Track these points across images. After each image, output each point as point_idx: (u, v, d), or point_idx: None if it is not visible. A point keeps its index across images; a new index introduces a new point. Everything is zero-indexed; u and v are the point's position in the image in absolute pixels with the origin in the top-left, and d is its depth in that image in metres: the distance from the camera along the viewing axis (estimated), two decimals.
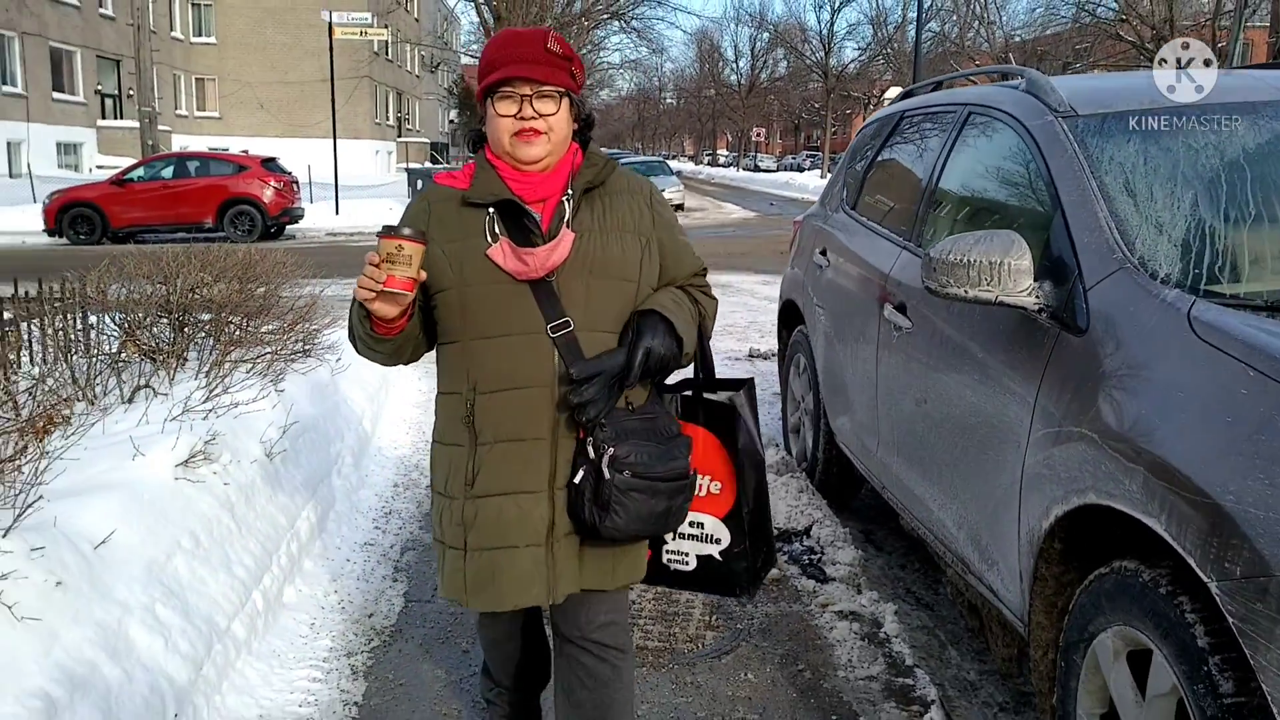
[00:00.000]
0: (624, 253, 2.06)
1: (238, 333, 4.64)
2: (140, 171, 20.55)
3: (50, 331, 4.32)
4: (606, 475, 1.95)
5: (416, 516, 4.50)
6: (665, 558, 2.29)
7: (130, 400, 3.92)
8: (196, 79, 43.56)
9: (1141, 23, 32.15)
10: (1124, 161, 2.84)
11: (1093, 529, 2.41)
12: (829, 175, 7.06)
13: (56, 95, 33.08)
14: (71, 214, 19.55)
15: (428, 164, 41.23)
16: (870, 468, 4.00)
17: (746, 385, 2.27)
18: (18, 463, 2.75)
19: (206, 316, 4.69)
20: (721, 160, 75.36)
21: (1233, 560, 1.86)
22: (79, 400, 3.54)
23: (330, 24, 23.38)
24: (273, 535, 3.54)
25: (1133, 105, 3.04)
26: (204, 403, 3.82)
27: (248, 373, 4.32)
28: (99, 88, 36.05)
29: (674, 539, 2.28)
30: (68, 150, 33.61)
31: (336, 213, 23.31)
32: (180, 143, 35.20)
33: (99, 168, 32.40)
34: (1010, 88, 3.49)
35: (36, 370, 4.05)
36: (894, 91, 29.33)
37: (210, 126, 42.70)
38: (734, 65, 66.17)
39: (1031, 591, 2.64)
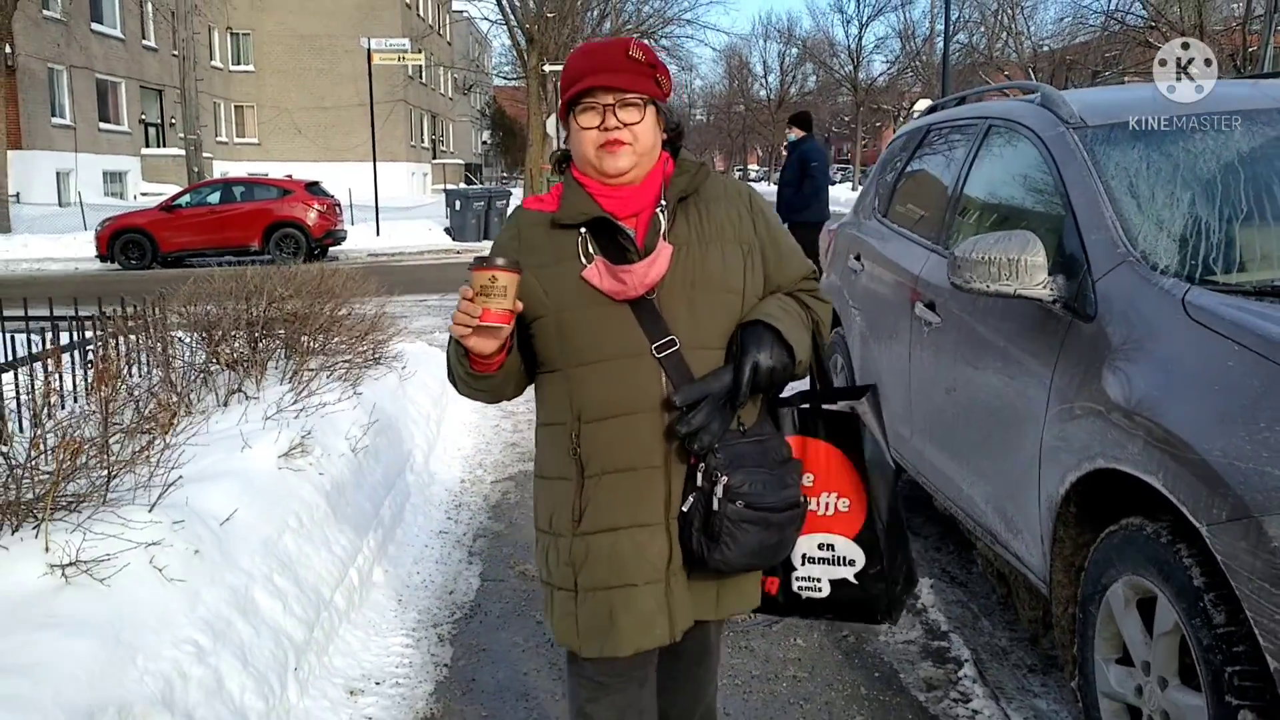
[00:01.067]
0: (725, 263, 1.94)
1: (311, 344, 5.04)
2: (188, 198, 21.22)
3: (143, 346, 4.73)
4: (717, 507, 1.83)
5: (484, 508, 4.87)
6: (796, 585, 2.09)
7: (225, 404, 4.32)
8: (235, 106, 44.56)
9: (1171, 29, 32.19)
10: (1128, 166, 3.16)
11: (1103, 492, 2.72)
12: (860, 187, 7.36)
13: (103, 125, 34.03)
14: (123, 240, 20.19)
15: (462, 185, 41.94)
16: (905, 454, 4.30)
17: (870, 393, 2.08)
18: (147, 453, 3.13)
19: (280, 331, 5.09)
20: (753, 175, 75.74)
21: (1219, 507, 2.16)
22: (179, 406, 3.92)
23: (369, 50, 23.99)
24: (361, 521, 3.91)
25: (1134, 115, 3.35)
26: (294, 404, 4.20)
27: (328, 378, 4.70)
28: (143, 117, 37.03)
29: (804, 564, 2.08)
30: (113, 179, 34.53)
31: (377, 234, 23.87)
32: (220, 169, 36.05)
33: (143, 195, 33.27)
34: (1027, 102, 3.81)
35: (137, 379, 4.45)
36: (922, 104, 29.57)
37: (249, 152, 43.63)
38: (763, 80, 66.66)
39: (1052, 553, 2.95)
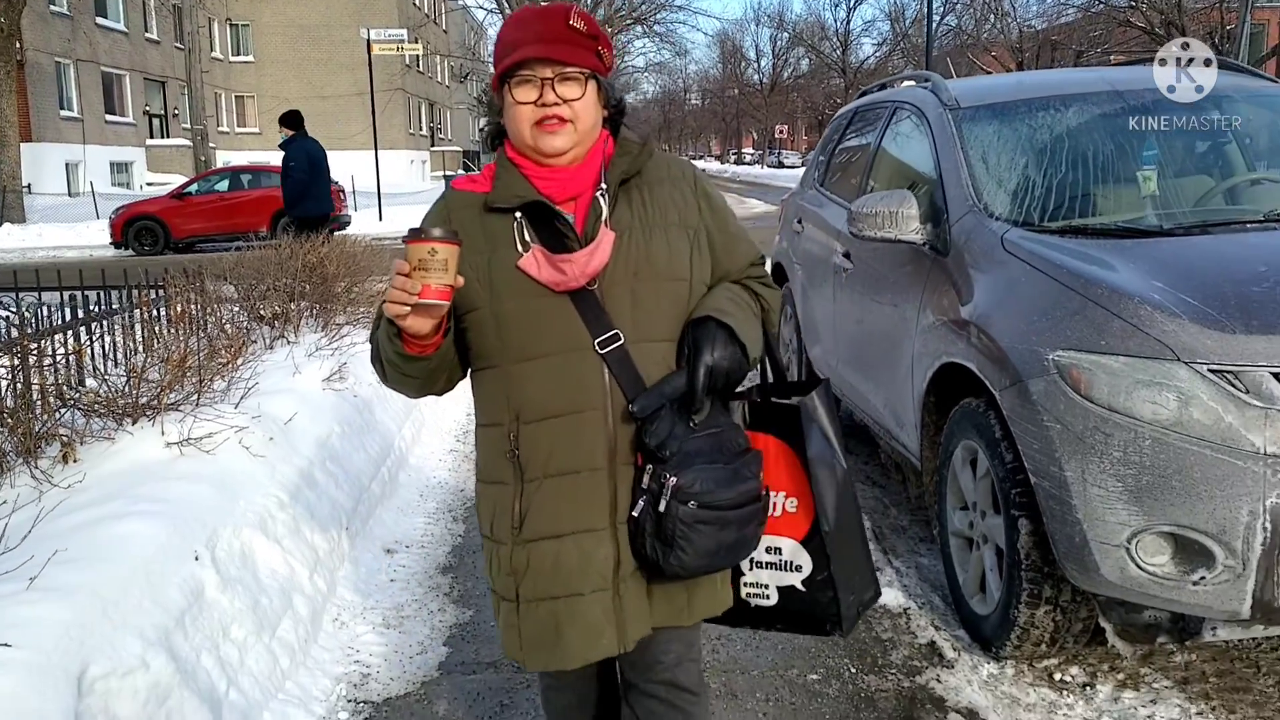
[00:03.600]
0: (670, 249, 1.82)
1: (341, 298, 5.96)
2: (197, 186, 22.09)
3: (198, 302, 5.64)
4: (665, 509, 1.71)
5: None
6: (744, 591, 1.97)
7: (271, 347, 5.23)
8: (236, 97, 45.36)
9: (1151, 9, 32.95)
10: (983, 139, 4.06)
11: (950, 384, 3.62)
12: None
13: (109, 117, 34.87)
14: (136, 227, 21.06)
15: (460, 171, 42.74)
16: (837, 384, 5.22)
17: (821, 386, 1.96)
18: (225, 370, 4.05)
19: (310, 292, 6.00)
20: (747, 159, 76.56)
21: (1005, 378, 3.08)
22: (240, 342, 4.84)
23: (369, 41, 24.81)
24: (387, 434, 4.84)
25: (997, 98, 4.26)
26: (328, 345, 5.12)
27: (353, 328, 5.62)
28: (147, 108, 37.85)
29: (751, 569, 1.96)
30: (120, 169, 35.38)
31: (380, 219, 24.74)
32: (223, 158, 36.85)
33: (149, 184, 34.17)
34: (923, 88, 4.71)
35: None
36: (910, 83, 30.33)
37: (250, 142, 44.43)
38: (756, 65, 67.40)
39: (921, 436, 3.87)
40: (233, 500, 3.24)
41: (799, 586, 1.93)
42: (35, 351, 3.72)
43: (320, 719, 2.85)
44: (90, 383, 3.91)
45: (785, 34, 61.06)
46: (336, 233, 22.03)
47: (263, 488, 3.45)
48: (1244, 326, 2.68)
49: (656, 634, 1.88)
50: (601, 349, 1.76)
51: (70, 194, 31.33)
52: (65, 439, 3.48)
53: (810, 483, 1.89)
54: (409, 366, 1.76)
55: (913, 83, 5.08)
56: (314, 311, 5.90)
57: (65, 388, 3.80)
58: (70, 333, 4.31)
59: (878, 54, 51.59)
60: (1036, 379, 2.95)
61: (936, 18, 42.74)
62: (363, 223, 24.27)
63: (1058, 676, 3.18)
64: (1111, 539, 2.74)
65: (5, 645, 2.11)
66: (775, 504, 1.94)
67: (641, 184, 1.86)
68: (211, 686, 2.55)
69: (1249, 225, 3.44)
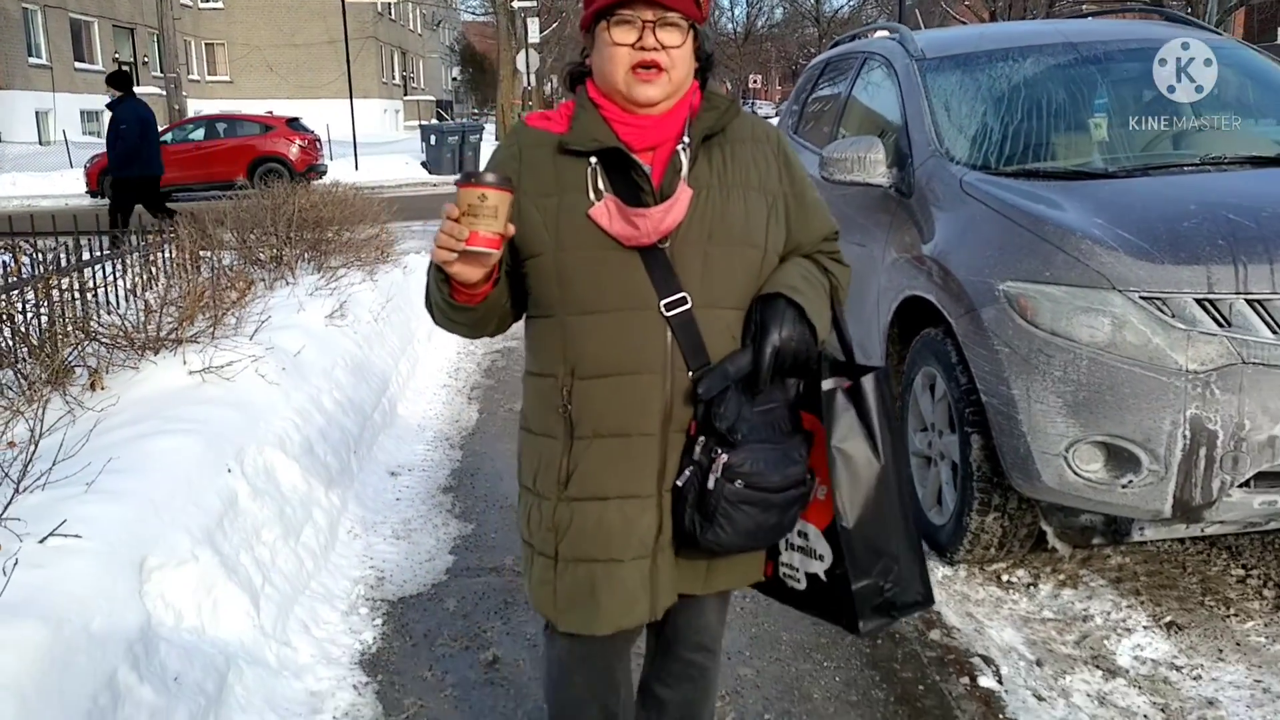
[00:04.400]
0: (748, 213, 1.75)
1: (334, 241, 6.21)
2: (171, 135, 21.98)
3: (199, 245, 5.87)
4: (713, 485, 1.67)
5: (477, 370, 6.19)
6: (781, 570, 1.92)
7: (271, 288, 5.48)
8: (206, 44, 44.75)
9: None
10: (946, 88, 4.34)
11: (912, 315, 3.94)
12: None
13: (78, 65, 34.41)
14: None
15: (434, 120, 42.53)
16: None
17: (872, 375, 1.82)
18: (237, 305, 4.31)
19: (307, 236, 6.24)
20: None
21: (961, 307, 3.40)
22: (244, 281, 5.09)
23: None
24: (385, 369, 5.15)
25: (960, 49, 4.53)
26: (326, 286, 5.37)
27: (348, 270, 5.88)
28: (116, 55, 37.32)
29: (786, 549, 1.90)
30: (90, 118, 34.96)
31: (356, 168, 24.73)
32: (194, 107, 36.46)
33: None
34: (891, 39, 4.98)
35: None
36: (880, 34, 30.50)
37: (221, 90, 43.93)
38: (730, 14, 67.01)
39: (886, 365, 4.19)
40: (254, 422, 3.52)
41: (822, 576, 1.86)
42: (59, 287, 3.96)
43: (344, 613, 3.16)
44: (109, 318, 4.16)
45: None
46: (314, 183, 22.15)
47: (279, 412, 3.73)
48: (1171, 258, 3.00)
49: (693, 602, 1.88)
50: (667, 311, 1.69)
51: (41, 143, 31.03)
52: (92, 369, 3.74)
53: (830, 475, 1.78)
54: (456, 314, 1.73)
55: (884, 34, 5.34)
56: (308, 256, 6.14)
57: (88, 322, 4.05)
58: (89, 269, 4.54)
59: (851, 3, 51.47)
60: (988, 307, 3.27)
61: None
62: (338, 172, 24.22)
63: (1005, 577, 3.54)
64: (1051, 449, 3.08)
65: (76, 536, 2.40)
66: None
67: (724, 141, 1.78)
68: (250, 580, 2.85)
69: (1186, 168, 3.75)
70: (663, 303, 1.68)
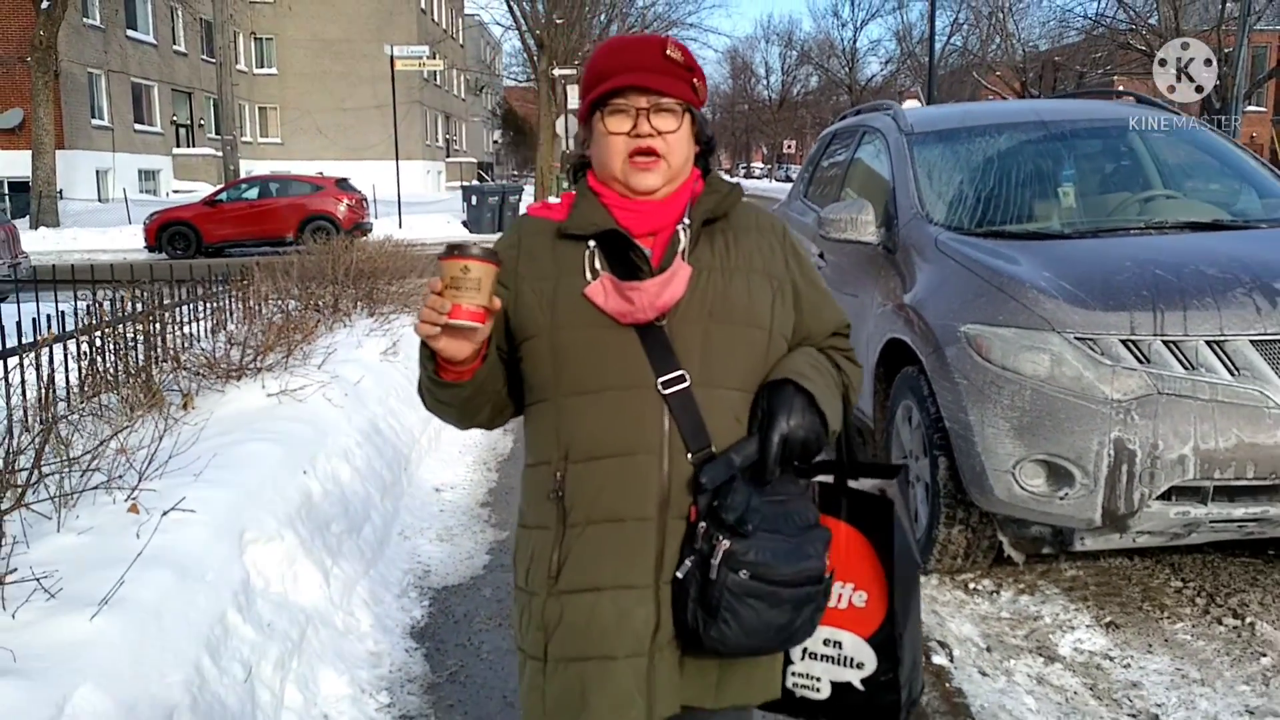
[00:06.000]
0: (751, 294, 1.70)
1: (386, 291, 6.88)
2: (227, 194, 23.14)
3: (269, 293, 6.55)
4: (715, 575, 1.57)
5: None
6: (790, 680, 1.81)
7: (332, 330, 6.14)
8: (260, 108, 46.51)
9: (1151, 32, 33.83)
10: (931, 159, 4.94)
11: (894, 356, 4.49)
12: None
13: (137, 126, 36.01)
14: (170, 232, 22.09)
15: (475, 182, 43.84)
16: None
17: (901, 473, 1.82)
18: (307, 340, 4.95)
19: (362, 285, 6.92)
20: (756, 173, 77.62)
21: (929, 344, 3.96)
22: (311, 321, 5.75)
23: (392, 57, 25.84)
24: None
25: (944, 125, 5.14)
26: (381, 327, 6.02)
27: (399, 315, 6.53)
28: (174, 118, 39.01)
29: (804, 658, 1.80)
30: (147, 177, 36.51)
31: (400, 226, 25.71)
32: (246, 168, 37.94)
33: (175, 192, 35.32)
34: (886, 115, 5.60)
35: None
36: (910, 103, 31.42)
37: (273, 152, 45.54)
38: (765, 81, 68.48)
39: (874, 402, 4.74)
40: (323, 436, 4.13)
41: (857, 685, 1.77)
42: (161, 322, 4.62)
43: (396, 595, 3.73)
44: (197, 348, 4.81)
45: (794, 52, 62.20)
46: (359, 240, 23.08)
47: (343, 430, 4.35)
48: (1102, 305, 3.55)
49: (696, 716, 1.71)
50: (664, 389, 1.62)
51: (100, 200, 32.42)
52: (184, 392, 4.38)
53: (890, 582, 1.73)
54: (442, 393, 1.67)
55: (881, 111, 5.96)
56: (361, 304, 6.81)
57: (179, 355, 4.70)
58: (179, 310, 5.21)
59: (884, 72, 52.63)
60: (951, 346, 3.83)
61: (942, 38, 43.80)
62: (383, 230, 25.21)
63: (971, 585, 4.04)
64: (1002, 466, 3.60)
65: (191, 511, 2.99)
66: (840, 595, 1.77)
67: (727, 228, 1.75)
68: (322, 561, 3.43)
69: (1131, 231, 4.31)
70: (660, 381, 1.62)
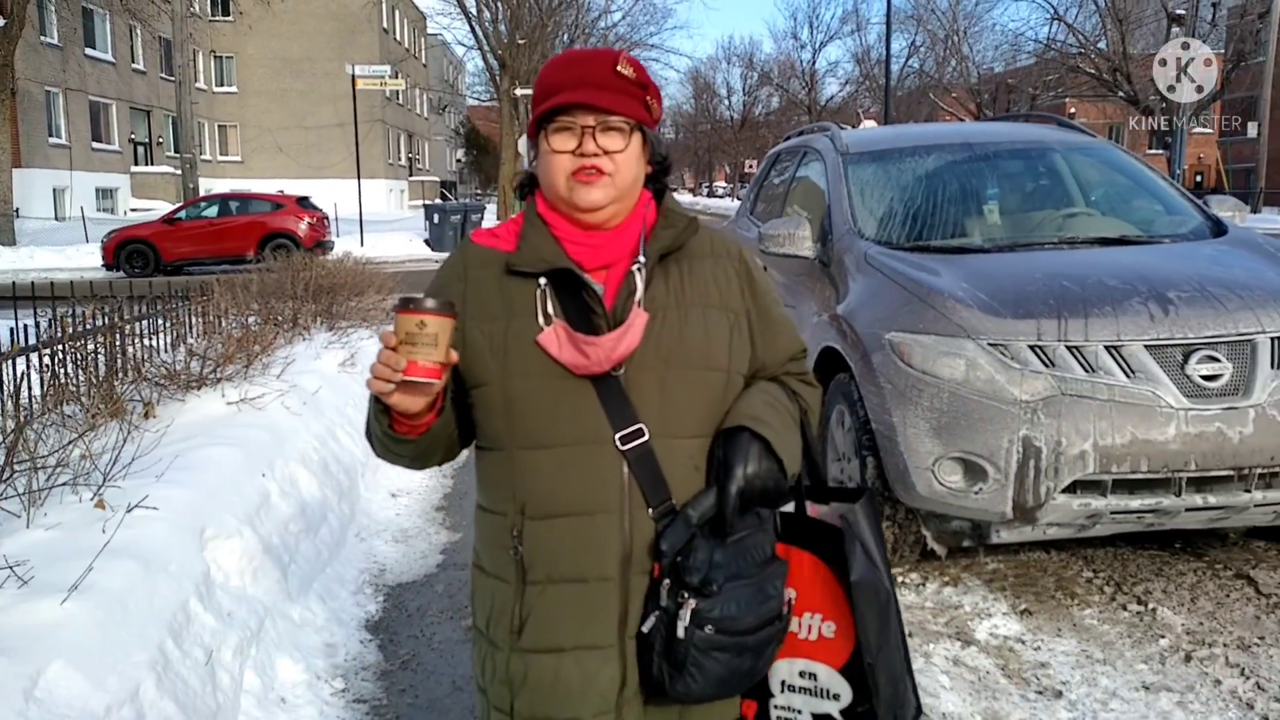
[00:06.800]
0: (708, 334, 1.65)
1: (344, 306, 7.06)
2: (186, 212, 23.12)
3: (229, 308, 6.71)
4: (683, 634, 1.55)
5: None
6: (775, 715, 1.80)
7: (291, 342, 6.31)
8: (220, 126, 46.42)
9: (1100, 56, 34.75)
10: (863, 178, 5.22)
11: (829, 363, 4.74)
12: None
13: (95, 144, 35.86)
14: (128, 250, 22.02)
15: (438, 200, 43.95)
16: None
17: (864, 497, 1.76)
18: (266, 352, 5.13)
19: (320, 300, 7.10)
20: (719, 192, 78.28)
21: (857, 351, 4.21)
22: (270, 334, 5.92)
23: (353, 76, 25.98)
24: None
25: (877, 146, 5.42)
26: (339, 339, 6.20)
27: (357, 328, 6.72)
28: (132, 136, 38.84)
29: (783, 691, 1.78)
30: (105, 195, 36.31)
31: (361, 244, 25.79)
32: (206, 186, 37.84)
33: (133, 210, 35.16)
34: (825, 136, 5.88)
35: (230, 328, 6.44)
36: (868, 124, 32.11)
37: (233, 170, 45.45)
38: (727, 101, 69.19)
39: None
40: (281, 442, 4.31)
41: (836, 715, 1.75)
42: (122, 335, 4.78)
43: (352, 591, 3.92)
44: (159, 360, 4.97)
45: (755, 73, 62.98)
46: (320, 258, 23.12)
47: (301, 436, 4.53)
48: (1012, 313, 3.82)
49: None
50: (623, 444, 1.58)
51: (57, 218, 32.23)
52: (146, 401, 4.54)
53: (853, 612, 1.69)
54: (397, 447, 1.62)
55: (820, 133, 6.25)
56: (320, 319, 6.98)
57: (139, 366, 4.86)
58: (140, 323, 5.36)
59: (843, 93, 53.44)
60: (877, 353, 4.08)
61: (900, 61, 44.58)
62: (345, 249, 25.34)
63: (900, 579, 4.28)
64: (922, 464, 3.85)
65: (154, 508, 3.17)
66: (809, 626, 1.76)
67: (683, 258, 1.69)
68: (280, 557, 3.61)
69: (1046, 246, 4.59)
70: (618, 436, 1.58)
